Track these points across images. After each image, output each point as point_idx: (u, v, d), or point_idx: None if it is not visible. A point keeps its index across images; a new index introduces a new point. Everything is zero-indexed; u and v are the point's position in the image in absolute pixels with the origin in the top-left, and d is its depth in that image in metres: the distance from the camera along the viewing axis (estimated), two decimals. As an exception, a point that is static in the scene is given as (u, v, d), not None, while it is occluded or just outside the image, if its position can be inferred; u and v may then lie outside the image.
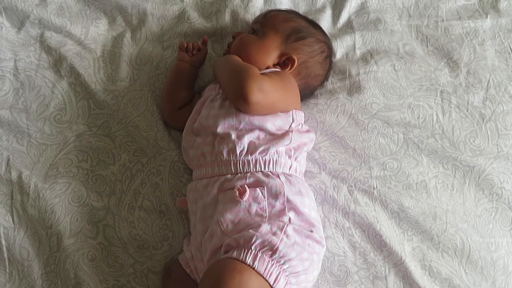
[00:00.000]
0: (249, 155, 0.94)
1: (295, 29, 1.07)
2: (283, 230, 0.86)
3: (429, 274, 1.03)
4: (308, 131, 1.03)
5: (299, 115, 1.02)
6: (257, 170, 0.93)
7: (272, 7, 1.21)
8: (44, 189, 1.05)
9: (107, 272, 1.02)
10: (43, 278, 1.01)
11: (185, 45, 1.11)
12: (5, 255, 1.01)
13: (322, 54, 1.10)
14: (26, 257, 1.01)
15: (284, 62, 1.05)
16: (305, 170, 1.05)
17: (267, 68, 1.04)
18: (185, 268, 0.97)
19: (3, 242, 1.02)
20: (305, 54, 1.07)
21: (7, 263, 1.01)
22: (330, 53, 1.13)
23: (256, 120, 0.95)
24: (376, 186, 1.07)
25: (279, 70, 1.04)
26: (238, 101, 0.94)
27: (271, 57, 1.05)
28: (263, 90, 0.93)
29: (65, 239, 1.02)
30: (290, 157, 0.97)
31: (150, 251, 1.04)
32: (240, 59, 1.01)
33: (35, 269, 1.01)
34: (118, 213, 1.05)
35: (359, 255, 1.03)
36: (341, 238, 1.04)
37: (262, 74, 0.97)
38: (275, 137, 0.96)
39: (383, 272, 1.02)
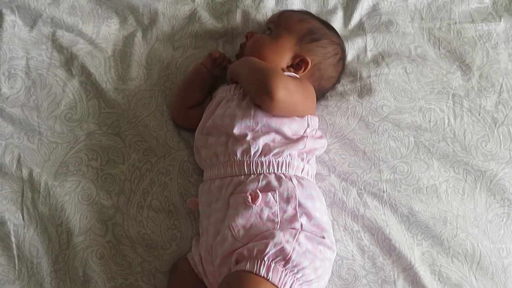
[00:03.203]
0: (262, 157, 0.93)
1: (310, 30, 1.06)
2: (295, 238, 0.86)
3: (439, 279, 1.02)
4: (321, 137, 1.03)
5: (314, 121, 1.02)
6: (270, 171, 0.93)
7: (284, 8, 1.21)
8: (54, 186, 1.05)
9: (115, 271, 1.02)
10: (52, 276, 1.01)
11: (216, 55, 1.10)
12: (15, 252, 1.02)
13: (335, 56, 1.09)
14: (35, 255, 1.02)
15: (298, 64, 1.05)
16: (315, 172, 1.04)
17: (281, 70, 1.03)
18: (194, 268, 0.97)
19: (13, 239, 1.02)
20: (318, 56, 1.06)
21: (16, 261, 1.02)
22: (343, 55, 1.12)
23: (274, 122, 0.95)
24: (386, 190, 1.07)
25: (297, 75, 1.03)
26: (262, 97, 0.93)
27: (285, 58, 1.05)
28: (288, 89, 0.93)
29: (75, 237, 1.02)
30: (302, 159, 0.96)
31: (158, 251, 1.04)
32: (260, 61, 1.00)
33: (44, 267, 1.01)
34: (127, 212, 1.05)
35: (367, 259, 1.02)
36: (350, 241, 1.04)
37: None
38: (290, 142, 0.95)
39: (392, 276, 1.01)
